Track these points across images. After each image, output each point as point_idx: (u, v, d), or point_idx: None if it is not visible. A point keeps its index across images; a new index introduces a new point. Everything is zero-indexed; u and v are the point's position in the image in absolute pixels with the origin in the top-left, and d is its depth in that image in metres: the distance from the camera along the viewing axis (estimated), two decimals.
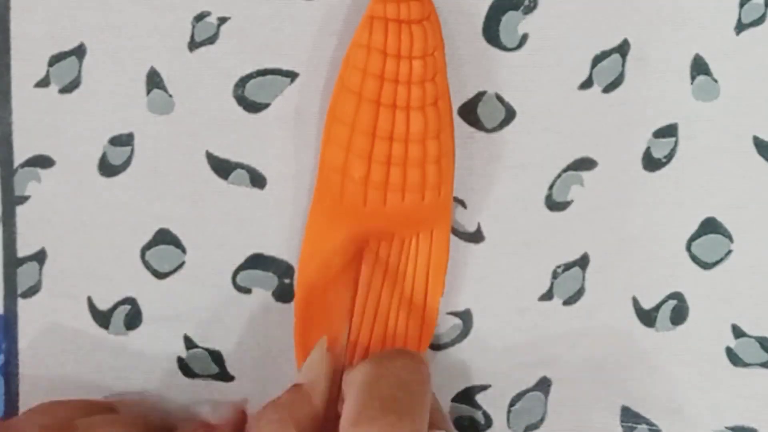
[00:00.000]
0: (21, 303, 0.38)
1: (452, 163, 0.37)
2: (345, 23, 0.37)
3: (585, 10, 0.37)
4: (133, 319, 0.39)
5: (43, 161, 0.38)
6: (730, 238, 0.38)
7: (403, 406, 0.31)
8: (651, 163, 0.38)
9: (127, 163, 0.38)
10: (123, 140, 0.38)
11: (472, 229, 0.39)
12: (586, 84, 0.38)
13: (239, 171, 0.38)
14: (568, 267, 0.39)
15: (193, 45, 0.37)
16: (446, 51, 0.36)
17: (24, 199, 0.38)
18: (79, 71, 0.38)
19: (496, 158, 0.38)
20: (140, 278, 0.38)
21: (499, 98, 0.38)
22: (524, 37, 0.37)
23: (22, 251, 0.38)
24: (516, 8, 0.37)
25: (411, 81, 0.35)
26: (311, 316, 0.37)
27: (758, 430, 0.39)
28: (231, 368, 0.39)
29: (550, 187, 0.38)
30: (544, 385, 0.39)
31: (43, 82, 0.38)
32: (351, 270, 0.37)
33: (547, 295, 0.39)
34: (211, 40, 0.37)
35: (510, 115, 0.38)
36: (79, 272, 0.38)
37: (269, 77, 0.37)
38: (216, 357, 0.39)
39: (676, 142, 0.38)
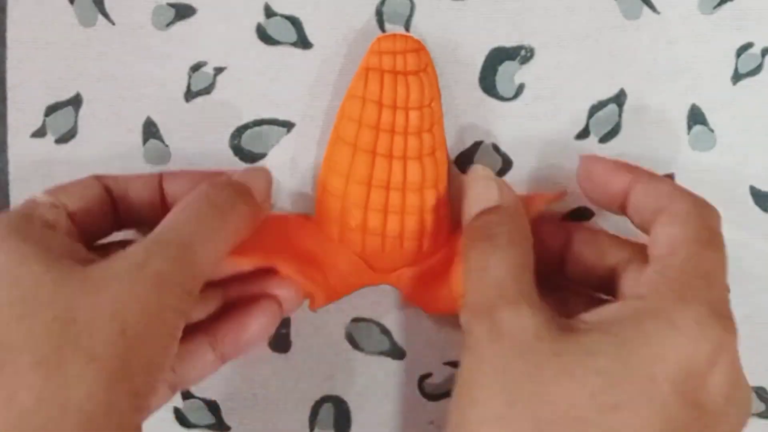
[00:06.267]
0: None
1: (449, 214, 0.36)
2: (341, 74, 0.36)
3: (581, 60, 0.36)
4: None
5: None
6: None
7: None
8: None
9: None
10: None
11: None
12: (583, 134, 0.37)
13: None
14: None
15: (190, 95, 0.37)
16: (443, 101, 0.35)
17: None
18: (76, 121, 0.37)
19: None
20: None
21: (496, 148, 0.37)
22: (521, 87, 0.37)
23: None
24: (512, 58, 0.37)
25: (408, 132, 0.34)
26: None
27: None
28: (227, 418, 0.38)
29: None
30: None
31: (40, 132, 0.37)
32: None
33: None
34: (208, 90, 0.37)
35: (507, 165, 0.37)
36: None
37: (265, 127, 0.37)
38: (212, 407, 0.38)
39: None
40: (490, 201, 0.33)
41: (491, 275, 0.30)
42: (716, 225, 0.31)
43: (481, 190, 0.34)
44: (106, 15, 0.37)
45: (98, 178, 0.34)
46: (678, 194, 0.32)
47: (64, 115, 0.37)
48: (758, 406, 0.38)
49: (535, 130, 0.37)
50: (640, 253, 0.32)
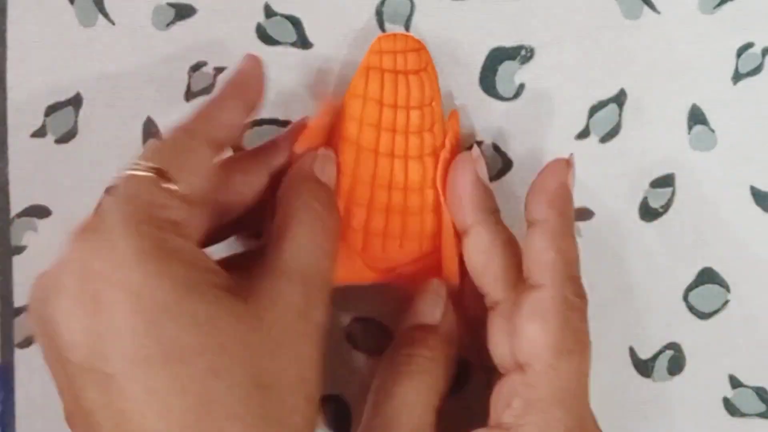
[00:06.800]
0: (18, 353, 0.37)
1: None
2: (341, 74, 0.36)
3: (581, 60, 0.36)
4: None
5: (39, 211, 0.37)
6: (727, 288, 0.37)
7: None
8: (648, 213, 0.37)
9: None
10: None
11: None
12: (583, 134, 0.37)
13: None
14: None
15: (190, 95, 0.36)
16: (443, 101, 0.35)
17: (20, 249, 0.37)
18: (76, 121, 0.37)
19: None
20: None
21: (496, 148, 0.37)
22: (521, 87, 0.37)
23: (19, 301, 0.37)
24: (513, 58, 0.36)
25: (408, 131, 0.34)
26: None
27: None
28: None
29: None
30: None
31: (40, 132, 0.37)
32: None
33: None
34: (208, 90, 0.36)
35: (507, 165, 0.37)
36: None
37: (265, 127, 0.37)
38: None
39: (673, 192, 0.37)
40: (430, 319, 0.34)
41: (393, 408, 0.31)
42: (577, 318, 0.31)
43: (425, 306, 0.34)
44: (106, 15, 0.37)
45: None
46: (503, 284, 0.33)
47: (64, 115, 0.37)
48: (758, 406, 0.38)
49: (535, 130, 0.37)
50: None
